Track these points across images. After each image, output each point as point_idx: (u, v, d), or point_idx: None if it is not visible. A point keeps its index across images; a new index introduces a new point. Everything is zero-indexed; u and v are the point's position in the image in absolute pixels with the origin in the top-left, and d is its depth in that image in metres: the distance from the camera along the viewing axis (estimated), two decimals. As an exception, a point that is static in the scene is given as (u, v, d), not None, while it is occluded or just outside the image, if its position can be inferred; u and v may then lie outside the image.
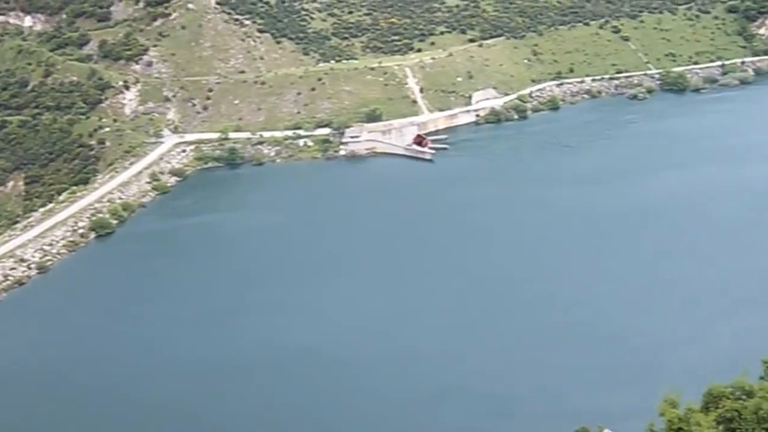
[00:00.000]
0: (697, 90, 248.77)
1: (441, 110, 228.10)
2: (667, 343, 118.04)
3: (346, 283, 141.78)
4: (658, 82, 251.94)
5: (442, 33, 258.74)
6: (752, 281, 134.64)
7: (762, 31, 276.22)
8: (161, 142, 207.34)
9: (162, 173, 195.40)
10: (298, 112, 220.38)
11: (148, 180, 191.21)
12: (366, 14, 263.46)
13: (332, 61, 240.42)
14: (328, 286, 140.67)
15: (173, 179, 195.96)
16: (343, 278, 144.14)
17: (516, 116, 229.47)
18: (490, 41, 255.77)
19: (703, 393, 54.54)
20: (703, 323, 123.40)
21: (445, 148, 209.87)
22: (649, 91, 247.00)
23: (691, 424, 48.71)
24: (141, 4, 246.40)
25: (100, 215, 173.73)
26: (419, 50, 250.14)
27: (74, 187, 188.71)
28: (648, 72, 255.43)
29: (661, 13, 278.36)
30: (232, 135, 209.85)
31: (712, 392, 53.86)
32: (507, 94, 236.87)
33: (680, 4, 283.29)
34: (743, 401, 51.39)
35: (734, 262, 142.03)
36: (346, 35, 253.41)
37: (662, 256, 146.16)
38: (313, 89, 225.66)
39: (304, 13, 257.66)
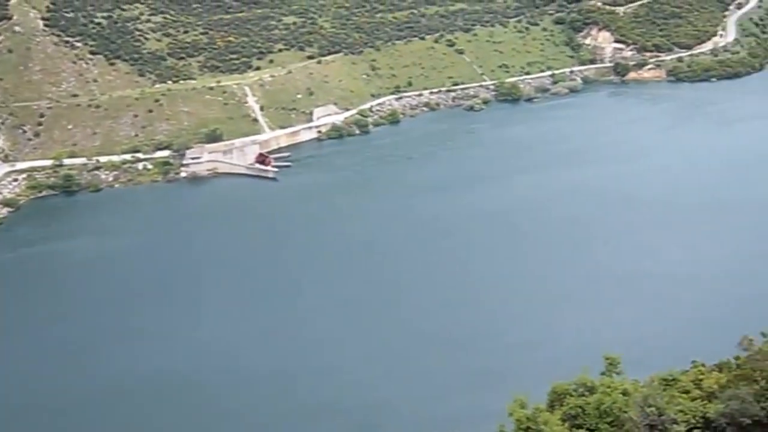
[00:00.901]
0: (530, 99, 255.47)
1: (282, 128, 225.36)
2: (516, 344, 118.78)
3: (194, 307, 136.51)
4: (493, 93, 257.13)
5: (280, 50, 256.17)
6: (593, 279, 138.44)
7: (588, 41, 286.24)
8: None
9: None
10: (136, 135, 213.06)
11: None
12: (202, 33, 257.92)
13: (169, 82, 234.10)
14: (177, 311, 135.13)
15: (5, 210, 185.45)
16: (193, 302, 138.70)
17: (358, 131, 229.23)
18: (328, 57, 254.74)
19: (548, 392, 55.82)
20: (548, 322, 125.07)
21: (288, 166, 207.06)
22: (485, 101, 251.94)
23: (539, 423, 49.34)
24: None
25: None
26: (258, 68, 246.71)
27: None
28: (483, 83, 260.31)
29: (493, 26, 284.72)
30: (66, 161, 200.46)
31: (557, 390, 55.26)
32: (348, 110, 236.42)
33: (511, 17, 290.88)
34: (586, 397, 52.74)
35: (579, 261, 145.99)
36: (183, 55, 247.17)
37: (511, 258, 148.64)
38: (151, 111, 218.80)
39: (138, 33, 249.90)
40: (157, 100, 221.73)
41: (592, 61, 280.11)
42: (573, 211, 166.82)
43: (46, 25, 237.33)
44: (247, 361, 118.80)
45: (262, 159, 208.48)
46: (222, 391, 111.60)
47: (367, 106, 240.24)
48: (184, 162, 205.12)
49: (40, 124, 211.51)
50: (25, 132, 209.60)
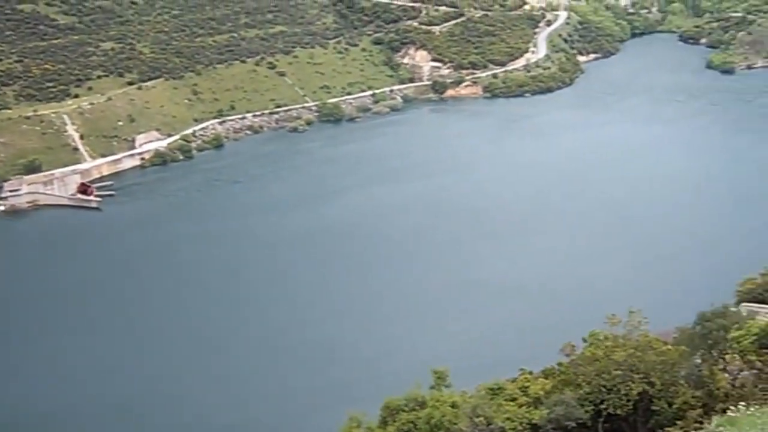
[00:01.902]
0: (352, 119, 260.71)
1: (104, 156, 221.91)
2: (350, 359, 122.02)
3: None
4: (316, 114, 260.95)
5: (99, 77, 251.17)
6: (423, 291, 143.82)
7: (406, 60, 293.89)
8: None
9: None
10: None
11: None
12: (17, 61, 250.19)
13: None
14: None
15: None
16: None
17: (181, 156, 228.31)
18: (149, 83, 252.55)
19: (380, 407, 57.25)
20: (380, 337, 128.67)
21: (111, 195, 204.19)
22: (308, 123, 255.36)
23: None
24: None
25: None
26: (77, 96, 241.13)
27: None
28: (305, 105, 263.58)
29: (313, 47, 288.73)
30: None
31: (389, 406, 56.92)
32: (170, 135, 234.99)
33: (330, 39, 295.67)
34: (417, 412, 54.37)
35: (409, 274, 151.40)
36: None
37: (342, 274, 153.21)
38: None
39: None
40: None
41: (411, 80, 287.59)
42: (403, 224, 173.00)
43: None
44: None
45: (84, 189, 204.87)
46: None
47: (190, 131, 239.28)
48: (2, 195, 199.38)
49: None
50: None
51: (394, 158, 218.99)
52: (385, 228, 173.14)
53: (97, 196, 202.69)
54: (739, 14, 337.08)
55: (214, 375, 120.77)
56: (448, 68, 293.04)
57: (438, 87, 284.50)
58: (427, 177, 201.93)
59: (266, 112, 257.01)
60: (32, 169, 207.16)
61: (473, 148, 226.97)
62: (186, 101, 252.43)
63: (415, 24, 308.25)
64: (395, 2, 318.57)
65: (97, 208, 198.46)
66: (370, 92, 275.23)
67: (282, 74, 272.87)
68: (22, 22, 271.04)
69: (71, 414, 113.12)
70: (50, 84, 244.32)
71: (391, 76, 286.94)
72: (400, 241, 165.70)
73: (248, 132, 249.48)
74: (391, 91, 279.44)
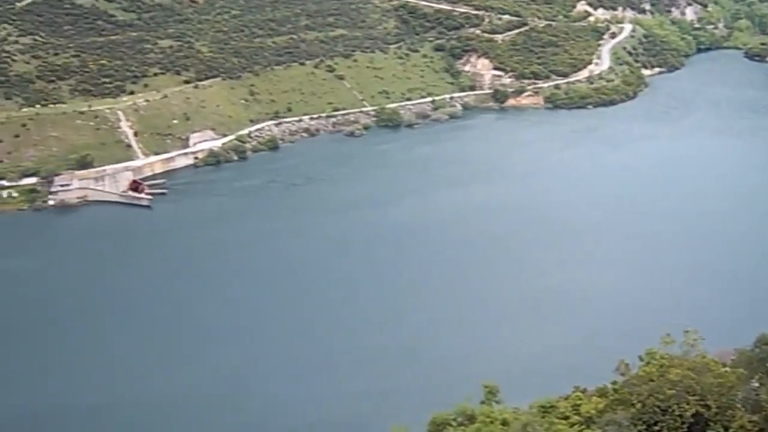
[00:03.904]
0: (410, 125, 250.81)
1: (157, 154, 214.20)
2: (402, 368, 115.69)
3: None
4: (374, 119, 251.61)
5: (155, 74, 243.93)
6: (483, 300, 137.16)
7: (467, 68, 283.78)
8: None
9: None
10: (1, 161, 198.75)
11: None
12: (74, 56, 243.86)
13: (38, 106, 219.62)
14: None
15: None
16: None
17: (236, 157, 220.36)
18: (206, 82, 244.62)
19: (427, 422, 55.53)
20: (435, 346, 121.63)
21: (163, 193, 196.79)
22: (366, 127, 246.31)
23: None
24: None
25: None
26: (132, 92, 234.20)
27: None
28: (363, 109, 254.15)
29: (373, 52, 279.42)
30: None
31: (436, 420, 55.34)
32: (225, 135, 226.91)
33: (391, 44, 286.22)
34: (465, 427, 52.96)
35: (470, 281, 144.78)
36: (53, 78, 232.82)
37: (404, 279, 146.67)
38: (17, 136, 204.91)
39: (5, 55, 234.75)
40: (24, 125, 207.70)
41: (472, 88, 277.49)
42: (467, 229, 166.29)
43: None
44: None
45: (135, 186, 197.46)
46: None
47: (245, 131, 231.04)
48: (52, 189, 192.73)
49: None
50: None
51: (462, 164, 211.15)
52: (450, 233, 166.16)
53: (148, 194, 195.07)
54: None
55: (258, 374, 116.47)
56: (510, 77, 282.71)
57: (499, 96, 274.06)
58: (495, 183, 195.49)
59: (323, 115, 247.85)
60: (84, 164, 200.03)
61: (540, 156, 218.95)
62: (242, 101, 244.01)
63: (478, 32, 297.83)
64: (458, 9, 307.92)
65: (148, 206, 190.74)
66: (429, 99, 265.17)
67: (341, 78, 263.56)
68: (80, 17, 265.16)
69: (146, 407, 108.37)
70: (106, 80, 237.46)
71: (451, 84, 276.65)
72: (462, 246, 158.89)
73: (304, 135, 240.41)
74: (451, 98, 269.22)
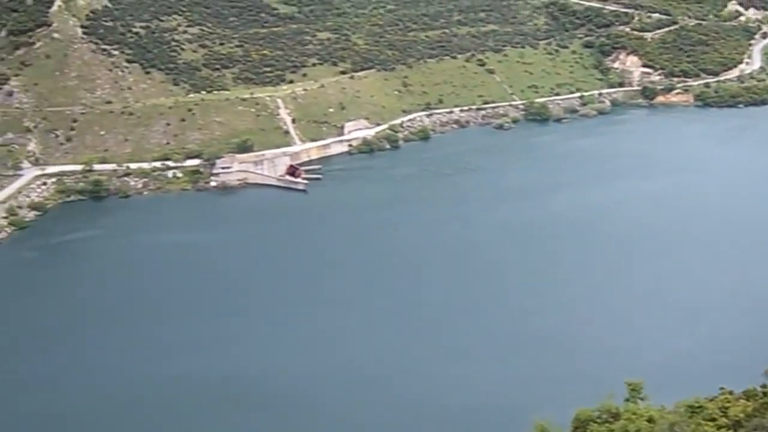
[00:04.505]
0: (558, 120, 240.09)
1: (313, 141, 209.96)
2: (547, 359, 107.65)
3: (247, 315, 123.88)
4: (522, 113, 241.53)
5: (314, 65, 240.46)
6: (631, 295, 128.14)
7: (616, 65, 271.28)
8: (20, 175, 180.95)
9: (20, 207, 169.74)
10: (167, 143, 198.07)
11: (4, 215, 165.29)
12: (238, 46, 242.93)
13: (203, 92, 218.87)
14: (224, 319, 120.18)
15: (32, 213, 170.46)
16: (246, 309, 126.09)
17: (388, 146, 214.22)
18: (361, 73, 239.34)
19: (571, 418, 52.09)
20: (581, 339, 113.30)
21: (318, 178, 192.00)
22: (515, 120, 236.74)
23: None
24: (3, 33, 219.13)
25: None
26: (291, 81, 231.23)
27: None
28: (513, 103, 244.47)
29: (523, 47, 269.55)
30: (96, 167, 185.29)
31: (580, 417, 52.06)
32: (378, 125, 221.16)
33: (541, 39, 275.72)
34: (610, 424, 49.99)
35: (620, 274, 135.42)
36: (218, 66, 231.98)
37: (556, 270, 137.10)
38: (183, 120, 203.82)
39: (174, 44, 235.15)
40: (190, 110, 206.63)
41: (621, 85, 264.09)
42: (629, 221, 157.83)
43: (84, 33, 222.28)
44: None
45: (292, 171, 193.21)
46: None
47: (397, 121, 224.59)
48: (214, 171, 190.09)
49: (72, 129, 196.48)
50: (57, 137, 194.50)
51: (615, 158, 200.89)
52: (608, 225, 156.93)
53: (304, 178, 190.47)
54: None
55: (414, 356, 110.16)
56: (659, 75, 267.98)
57: (648, 93, 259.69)
58: (651, 177, 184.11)
59: (473, 107, 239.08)
60: (244, 148, 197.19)
61: (695, 152, 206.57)
62: (395, 92, 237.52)
63: (627, 29, 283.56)
64: (607, 7, 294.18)
65: (303, 191, 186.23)
66: (577, 94, 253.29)
67: (491, 72, 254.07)
68: (245, 9, 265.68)
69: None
70: (267, 69, 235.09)
71: (600, 80, 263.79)
72: (620, 239, 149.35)
73: (454, 126, 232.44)
74: (600, 94, 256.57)
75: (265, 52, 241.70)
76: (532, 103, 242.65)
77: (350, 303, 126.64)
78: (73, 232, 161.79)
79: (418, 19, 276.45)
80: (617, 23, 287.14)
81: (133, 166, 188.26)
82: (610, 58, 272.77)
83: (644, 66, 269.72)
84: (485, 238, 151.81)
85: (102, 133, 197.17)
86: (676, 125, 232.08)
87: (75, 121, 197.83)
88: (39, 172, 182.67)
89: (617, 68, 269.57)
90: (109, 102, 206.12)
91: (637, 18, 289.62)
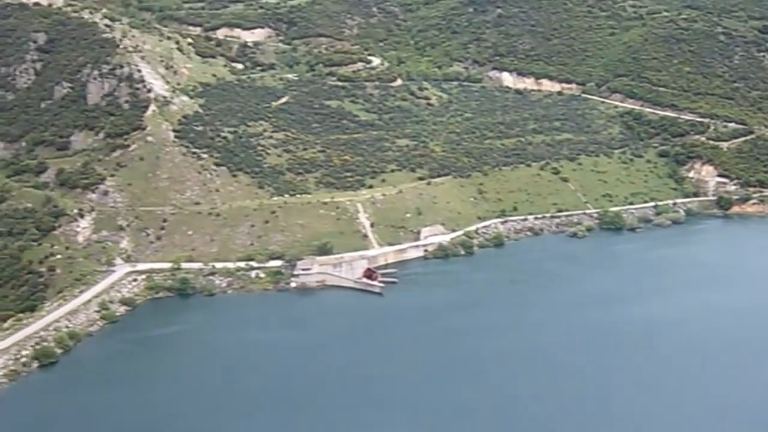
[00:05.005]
0: (632, 229, 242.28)
1: (391, 245, 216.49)
2: None
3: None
4: (596, 221, 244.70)
5: (392, 171, 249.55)
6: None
7: (691, 174, 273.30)
8: (113, 271, 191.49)
9: (112, 302, 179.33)
10: (251, 244, 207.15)
11: (96, 309, 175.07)
12: (320, 151, 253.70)
13: (286, 195, 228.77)
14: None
15: (123, 308, 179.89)
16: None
17: (463, 252, 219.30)
18: (438, 179, 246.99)
19: None
20: None
21: (394, 282, 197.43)
22: (588, 229, 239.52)
23: None
24: (101, 135, 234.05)
25: (45, 344, 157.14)
26: (371, 186, 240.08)
27: (20, 315, 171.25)
28: (587, 211, 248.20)
29: (597, 156, 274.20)
30: (184, 265, 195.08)
31: None
32: (454, 231, 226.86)
33: (615, 149, 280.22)
34: None
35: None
36: (301, 171, 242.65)
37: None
38: (267, 222, 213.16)
39: (260, 148, 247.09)
40: (273, 212, 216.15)
41: (696, 194, 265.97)
42: (717, 331, 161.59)
43: (176, 137, 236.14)
44: None
45: (369, 274, 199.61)
46: None
47: (473, 228, 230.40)
48: (295, 272, 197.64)
49: (162, 228, 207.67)
50: (148, 235, 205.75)
51: (693, 267, 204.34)
52: (696, 333, 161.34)
53: (381, 281, 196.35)
54: None
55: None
56: (735, 185, 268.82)
57: (723, 203, 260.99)
58: (731, 287, 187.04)
59: (547, 215, 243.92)
60: (324, 251, 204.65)
61: None
62: (471, 199, 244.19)
63: (703, 139, 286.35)
64: (683, 116, 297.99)
65: (379, 293, 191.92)
66: (652, 203, 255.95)
67: (565, 180, 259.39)
68: (327, 116, 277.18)
69: None
70: (348, 174, 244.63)
71: (674, 189, 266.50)
72: (707, 349, 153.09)
73: (528, 233, 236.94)
74: (674, 203, 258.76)
75: (346, 157, 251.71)
76: (606, 211, 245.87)
77: (419, 404, 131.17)
78: (160, 327, 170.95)
79: (494, 127, 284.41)
80: (692, 132, 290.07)
81: (218, 265, 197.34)
82: (685, 167, 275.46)
83: (719, 176, 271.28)
84: (555, 343, 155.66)
85: (190, 233, 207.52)
86: (752, 236, 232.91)
87: (165, 220, 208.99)
88: (130, 269, 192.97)
89: (692, 178, 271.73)
90: (198, 203, 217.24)
91: (712, 127, 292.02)
